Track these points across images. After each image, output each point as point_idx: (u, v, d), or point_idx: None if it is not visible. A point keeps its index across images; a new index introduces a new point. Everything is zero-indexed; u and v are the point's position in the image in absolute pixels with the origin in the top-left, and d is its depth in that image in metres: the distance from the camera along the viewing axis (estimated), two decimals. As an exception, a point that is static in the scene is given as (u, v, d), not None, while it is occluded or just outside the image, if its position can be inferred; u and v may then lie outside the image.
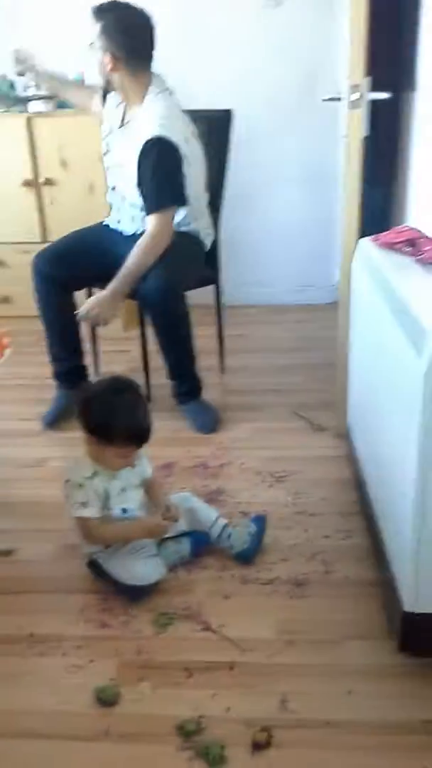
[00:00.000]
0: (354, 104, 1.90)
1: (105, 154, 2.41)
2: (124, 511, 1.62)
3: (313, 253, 3.56)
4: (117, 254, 2.28)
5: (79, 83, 2.86)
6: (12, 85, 3.15)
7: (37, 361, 2.54)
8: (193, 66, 3.26)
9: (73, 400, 2.46)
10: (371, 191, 1.95)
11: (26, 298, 3.16)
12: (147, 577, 1.59)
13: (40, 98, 3.11)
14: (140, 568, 1.59)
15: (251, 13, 3.20)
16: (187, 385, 2.40)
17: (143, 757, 1.23)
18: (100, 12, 2.14)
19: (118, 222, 2.42)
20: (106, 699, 1.33)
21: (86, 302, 2.24)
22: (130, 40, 2.14)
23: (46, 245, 2.47)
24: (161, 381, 2.44)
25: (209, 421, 2.37)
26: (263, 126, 3.33)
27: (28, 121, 3.08)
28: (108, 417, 1.53)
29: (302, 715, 1.29)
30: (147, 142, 2.15)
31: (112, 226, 2.46)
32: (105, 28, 2.13)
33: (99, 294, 2.24)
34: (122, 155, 2.29)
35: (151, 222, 2.21)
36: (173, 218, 2.25)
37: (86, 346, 2.58)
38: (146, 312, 2.31)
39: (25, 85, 3.14)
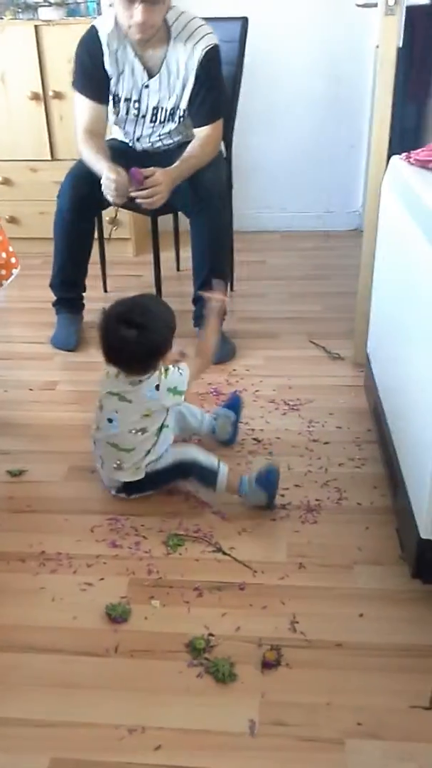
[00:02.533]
0: (389, 10, 1.77)
1: (136, 114, 2.26)
2: (110, 420, 1.59)
3: (334, 177, 3.42)
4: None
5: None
6: (20, -10, 2.98)
7: (44, 284, 2.48)
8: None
9: (80, 325, 2.45)
10: (404, 106, 1.83)
11: (33, 219, 3.11)
12: (215, 461, 1.63)
13: (50, 5, 2.94)
14: (200, 449, 1.67)
15: None
16: None
17: (152, 673, 1.23)
18: None
19: (138, 139, 2.30)
20: (117, 616, 1.34)
21: (148, 181, 2.04)
22: None
23: (73, 164, 2.30)
24: (176, 308, 2.37)
25: (225, 352, 2.31)
26: (284, 36, 3.14)
27: (37, 29, 2.91)
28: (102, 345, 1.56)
29: (312, 636, 1.29)
30: (208, 52, 2.09)
31: (128, 141, 2.35)
32: None
33: (160, 172, 2.05)
34: (159, 96, 2.19)
35: (213, 128, 2.17)
36: None
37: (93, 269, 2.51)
38: (199, 209, 2.17)
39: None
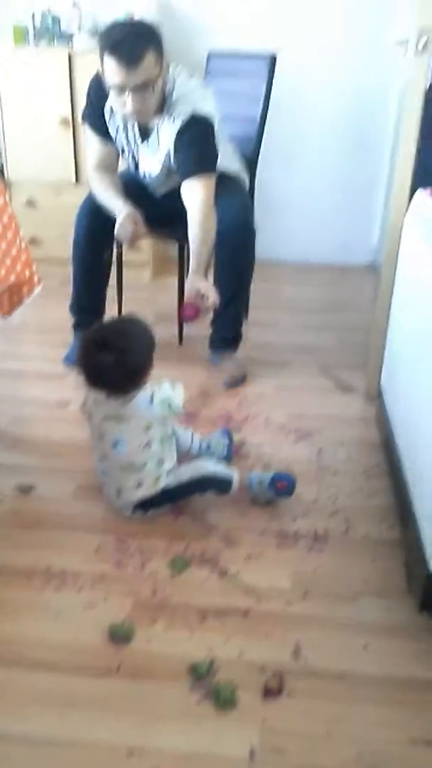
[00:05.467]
0: (419, 51, 1.80)
1: (135, 166, 2.29)
2: (116, 445, 1.60)
3: (352, 212, 3.47)
4: (154, 198, 2.28)
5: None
6: (56, 20, 3.06)
7: (61, 304, 2.51)
8: (246, 5, 3.15)
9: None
10: (427, 145, 1.87)
11: (54, 241, 3.16)
12: (227, 470, 1.69)
13: (84, 35, 3.02)
14: (214, 462, 1.72)
15: None
16: (228, 332, 2.35)
17: (153, 695, 1.22)
18: (142, 38, 1.89)
19: (147, 175, 2.32)
20: (120, 636, 1.33)
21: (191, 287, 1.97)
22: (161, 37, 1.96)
23: (86, 195, 2.33)
24: (190, 332, 2.40)
25: (236, 377, 2.33)
26: (309, 73, 3.22)
27: (70, 57, 3.00)
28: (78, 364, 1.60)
29: (316, 665, 1.28)
30: (184, 121, 2.04)
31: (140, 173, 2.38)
32: (154, 38, 1.92)
33: (194, 281, 1.98)
34: (150, 163, 2.21)
35: (203, 187, 2.06)
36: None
37: (111, 291, 2.55)
38: (220, 247, 2.14)
39: (69, 20, 3.06)
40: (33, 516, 1.70)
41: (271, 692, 1.22)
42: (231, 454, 1.88)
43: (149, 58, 1.88)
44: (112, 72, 1.90)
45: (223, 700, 1.20)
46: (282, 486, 1.69)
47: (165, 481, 1.64)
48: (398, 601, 1.43)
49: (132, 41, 1.86)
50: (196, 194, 2.04)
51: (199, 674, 1.25)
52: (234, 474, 1.69)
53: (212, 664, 1.27)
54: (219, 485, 1.68)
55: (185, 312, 1.90)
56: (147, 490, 1.63)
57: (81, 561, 1.54)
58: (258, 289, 2.76)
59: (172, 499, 1.67)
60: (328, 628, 1.36)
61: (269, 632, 1.35)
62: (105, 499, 1.72)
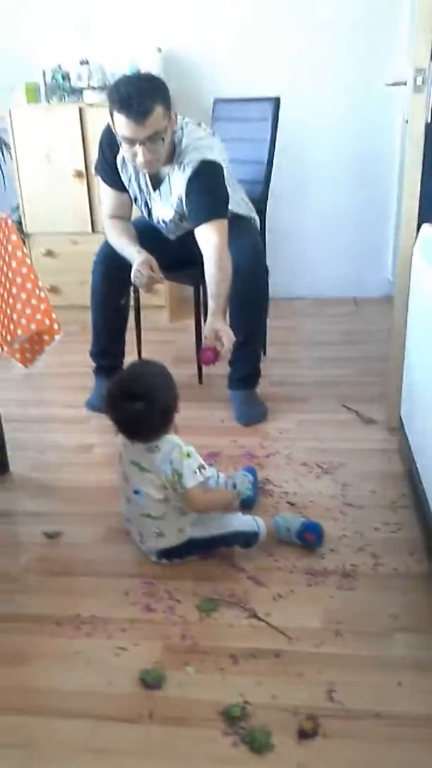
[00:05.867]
0: (418, 89, 1.85)
1: (148, 213, 2.35)
2: (136, 492, 1.61)
3: (364, 246, 3.51)
4: (168, 242, 2.33)
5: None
6: (66, 77, 3.18)
7: (82, 349, 2.56)
8: (248, 52, 3.26)
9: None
10: (430, 179, 1.91)
11: (73, 288, 3.23)
12: (254, 522, 1.67)
13: (93, 88, 3.13)
14: (242, 517, 1.69)
15: None
16: (246, 370, 2.37)
17: (187, 741, 1.21)
18: (149, 93, 1.94)
19: (160, 221, 2.37)
20: (151, 681, 1.33)
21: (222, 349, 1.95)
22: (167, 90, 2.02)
23: (102, 243, 2.38)
24: (210, 371, 2.42)
25: (256, 414, 2.34)
26: (314, 113, 3.30)
27: (81, 111, 3.10)
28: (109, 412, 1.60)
29: (350, 706, 1.26)
30: (195, 168, 2.09)
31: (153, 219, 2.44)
32: (161, 91, 1.97)
33: (213, 323, 1.98)
34: (163, 210, 2.27)
35: (216, 232, 2.08)
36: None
37: (130, 335, 2.59)
38: (234, 286, 2.10)
39: (78, 76, 3.17)
40: (61, 562, 1.70)
41: (306, 734, 1.20)
42: (257, 493, 1.88)
43: (158, 111, 1.95)
44: (123, 126, 1.97)
45: (257, 744, 1.19)
46: (311, 538, 1.68)
47: (189, 532, 1.64)
48: (431, 636, 1.41)
49: (140, 96, 1.92)
50: (210, 238, 2.08)
51: (233, 718, 1.24)
52: (261, 527, 1.66)
53: (245, 708, 1.26)
54: (246, 540, 1.66)
55: (204, 356, 1.93)
56: (170, 541, 1.63)
57: (110, 606, 1.54)
58: (274, 326, 2.79)
59: (197, 551, 1.67)
60: (362, 667, 1.35)
61: (302, 673, 1.34)
62: (131, 542, 1.72)
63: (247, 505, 1.82)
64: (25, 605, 1.56)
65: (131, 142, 2.00)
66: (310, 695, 1.29)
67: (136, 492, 1.61)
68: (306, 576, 1.60)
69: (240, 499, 1.80)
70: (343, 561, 1.64)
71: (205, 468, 1.60)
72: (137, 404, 1.53)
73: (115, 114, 1.97)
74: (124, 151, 2.10)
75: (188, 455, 1.57)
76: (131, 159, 2.08)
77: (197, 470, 1.57)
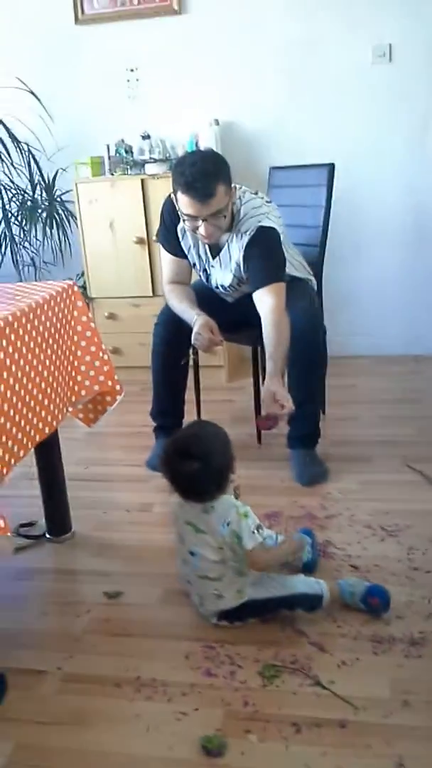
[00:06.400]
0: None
1: (206, 278, 2.42)
2: (192, 554, 1.60)
3: (422, 303, 3.49)
4: (226, 305, 2.37)
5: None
6: (129, 150, 3.34)
7: (143, 409, 2.60)
8: (301, 122, 3.37)
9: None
10: None
11: (134, 349, 3.32)
12: (317, 585, 1.64)
13: (154, 161, 3.28)
14: (305, 579, 1.66)
15: (360, 67, 3.26)
16: (305, 429, 2.36)
17: None
18: (214, 175, 2.03)
19: (219, 286, 2.42)
20: (213, 749, 1.29)
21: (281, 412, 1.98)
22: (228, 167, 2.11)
23: (162, 306, 2.46)
24: (269, 431, 2.41)
25: (316, 474, 2.32)
26: (368, 178, 3.36)
27: (143, 182, 3.24)
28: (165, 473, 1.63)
29: (422, 783, 1.20)
30: (252, 235, 2.15)
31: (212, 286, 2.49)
32: (224, 171, 2.06)
33: (270, 385, 2.01)
34: (222, 276, 2.34)
35: (274, 296, 2.12)
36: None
37: (189, 394, 2.62)
38: (292, 346, 2.13)
39: (140, 149, 3.33)
40: (121, 623, 1.70)
41: None
42: (317, 554, 1.84)
43: (220, 192, 2.03)
44: (188, 206, 2.06)
45: None
46: (376, 603, 1.63)
47: (249, 593, 1.62)
48: None
49: (206, 179, 2.01)
50: (268, 301, 2.12)
51: (298, 792, 1.19)
52: (325, 590, 1.62)
53: (311, 781, 1.21)
54: (309, 603, 1.62)
55: (262, 424, 1.92)
56: (229, 602, 1.61)
57: (170, 669, 1.52)
58: (333, 385, 2.78)
59: (258, 614, 1.64)
60: (432, 741, 1.28)
61: (369, 745, 1.28)
62: (191, 605, 1.70)
63: (307, 569, 1.78)
64: (85, 665, 1.56)
65: (194, 219, 2.08)
66: (379, 770, 1.23)
67: (192, 553, 1.60)
68: (372, 643, 1.55)
69: (303, 551, 1.77)
70: (410, 628, 1.58)
71: (262, 528, 1.59)
72: (193, 464, 1.55)
73: (180, 194, 2.06)
74: (186, 226, 2.19)
75: (246, 515, 1.56)
76: (192, 233, 2.17)
77: (255, 531, 1.56)
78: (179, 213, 2.14)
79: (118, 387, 2.05)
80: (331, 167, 2.62)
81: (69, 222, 3.58)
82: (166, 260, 2.43)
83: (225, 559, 1.59)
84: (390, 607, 1.63)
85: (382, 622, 1.61)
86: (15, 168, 3.51)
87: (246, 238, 2.17)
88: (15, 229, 3.60)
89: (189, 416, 2.59)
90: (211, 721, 1.37)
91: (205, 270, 2.38)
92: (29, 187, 3.57)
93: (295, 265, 2.40)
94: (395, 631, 1.58)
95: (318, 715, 1.36)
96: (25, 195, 3.58)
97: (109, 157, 3.35)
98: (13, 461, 1.59)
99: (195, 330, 2.20)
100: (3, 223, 3.58)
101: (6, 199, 3.57)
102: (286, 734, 1.32)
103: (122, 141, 3.35)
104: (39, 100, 3.46)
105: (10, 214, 3.58)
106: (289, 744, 1.30)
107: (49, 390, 1.79)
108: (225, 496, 1.60)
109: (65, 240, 3.57)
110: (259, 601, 1.62)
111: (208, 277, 2.40)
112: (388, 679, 1.43)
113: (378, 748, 1.27)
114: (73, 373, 1.96)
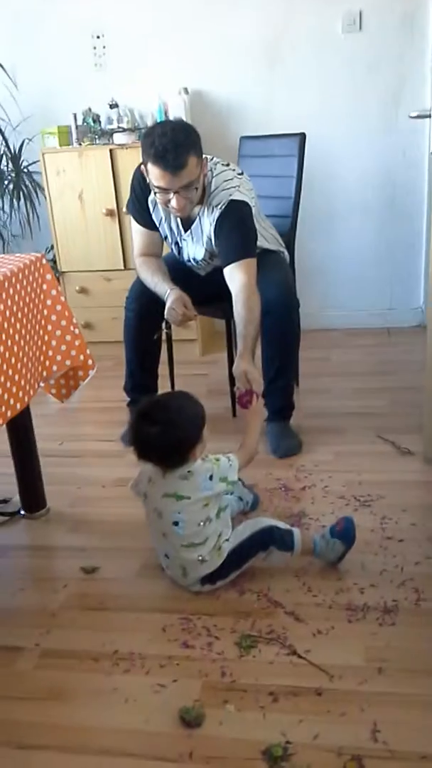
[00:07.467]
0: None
1: (178, 252, 2.39)
2: (176, 523, 1.61)
3: (395, 276, 3.50)
4: (199, 278, 2.35)
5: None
6: (97, 119, 3.27)
7: (115, 384, 2.59)
8: (272, 91, 3.33)
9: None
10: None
11: (106, 324, 3.28)
12: (288, 526, 1.72)
13: (122, 130, 3.21)
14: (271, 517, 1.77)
15: (331, 35, 3.22)
16: (280, 402, 2.37)
17: (229, 782, 1.19)
18: (184, 145, 1.97)
19: (191, 259, 2.39)
20: (191, 720, 1.30)
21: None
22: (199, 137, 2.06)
23: (134, 280, 2.43)
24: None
25: (291, 447, 2.33)
26: (340, 148, 3.33)
27: (111, 152, 3.18)
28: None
29: (395, 747, 1.22)
30: (222, 208, 2.12)
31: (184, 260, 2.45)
32: (195, 142, 2.01)
33: (241, 364, 1.94)
34: (194, 250, 2.31)
35: (244, 272, 2.09)
36: None
37: (163, 368, 2.61)
38: (266, 319, 2.12)
39: (108, 118, 3.26)
40: (98, 598, 1.70)
41: (351, 777, 1.17)
42: (256, 496, 2.01)
43: (192, 162, 1.99)
44: (158, 178, 2.01)
45: (301, 786, 1.16)
46: (341, 526, 1.69)
47: (226, 548, 1.65)
48: None
49: (176, 149, 1.96)
50: (238, 278, 2.09)
51: (275, 758, 1.21)
52: (296, 532, 1.69)
53: (287, 748, 1.23)
54: (281, 539, 1.67)
55: (242, 401, 1.93)
56: (213, 564, 1.63)
57: (148, 642, 1.53)
58: (307, 357, 2.79)
59: (238, 564, 1.66)
60: (407, 706, 1.31)
61: (345, 712, 1.30)
62: (168, 578, 1.71)
63: (254, 508, 1.97)
64: (63, 641, 1.56)
65: (165, 191, 2.04)
66: (354, 735, 1.25)
67: (176, 523, 1.61)
68: (346, 612, 1.57)
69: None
70: (384, 596, 1.61)
71: (226, 455, 1.67)
72: (152, 428, 1.57)
73: (150, 165, 2.01)
74: (157, 198, 2.14)
75: (216, 459, 1.64)
76: (164, 205, 2.13)
77: (228, 462, 1.65)
78: (150, 185, 2.11)
79: (90, 362, 2.03)
80: (302, 137, 2.59)
81: (36, 193, 3.51)
82: (137, 232, 2.38)
83: (210, 515, 1.61)
84: (355, 530, 1.69)
85: (355, 590, 1.63)
86: (-21, 138, 3.42)
87: (217, 212, 2.14)
88: (-19, 202, 3.52)
89: (163, 390, 2.58)
90: (189, 692, 1.38)
91: (176, 243, 2.35)
92: (-5, 157, 3.48)
93: (267, 238, 2.37)
94: (369, 600, 1.60)
95: (294, 684, 1.38)
96: (-9, 166, 3.49)
97: (77, 127, 3.27)
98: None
99: (168, 304, 2.18)
100: (-32, 195, 3.49)
101: (-29, 170, 3.48)
102: (263, 703, 1.34)
103: (89, 110, 3.28)
104: (2, 67, 3.36)
105: (-25, 186, 3.49)
106: (266, 713, 1.32)
107: (19, 365, 1.76)
108: (195, 461, 1.62)
109: (33, 212, 3.50)
110: (235, 548, 1.65)
111: (180, 250, 2.36)
112: (363, 648, 1.46)
113: (353, 714, 1.30)
114: (44, 348, 1.93)
